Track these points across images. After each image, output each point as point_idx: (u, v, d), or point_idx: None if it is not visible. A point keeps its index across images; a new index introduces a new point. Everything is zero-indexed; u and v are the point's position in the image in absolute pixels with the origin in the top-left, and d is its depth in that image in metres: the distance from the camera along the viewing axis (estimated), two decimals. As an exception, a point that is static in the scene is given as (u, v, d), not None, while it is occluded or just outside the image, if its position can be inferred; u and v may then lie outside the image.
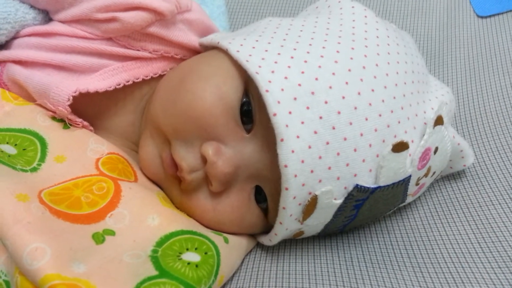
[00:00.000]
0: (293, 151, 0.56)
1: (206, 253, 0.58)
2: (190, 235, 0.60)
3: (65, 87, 0.64)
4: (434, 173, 0.69)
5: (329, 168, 0.58)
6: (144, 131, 0.69)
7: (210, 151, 0.60)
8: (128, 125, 0.73)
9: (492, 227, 0.68)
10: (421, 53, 1.01)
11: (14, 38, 0.72)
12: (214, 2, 0.93)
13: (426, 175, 0.67)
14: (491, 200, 0.73)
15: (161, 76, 0.72)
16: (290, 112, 0.56)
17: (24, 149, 0.61)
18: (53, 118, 0.66)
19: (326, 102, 0.57)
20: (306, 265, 0.66)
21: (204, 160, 0.61)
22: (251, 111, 0.62)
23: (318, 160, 0.57)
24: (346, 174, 0.58)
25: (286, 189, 0.57)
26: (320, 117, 0.57)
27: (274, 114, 0.56)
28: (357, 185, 0.59)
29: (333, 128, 0.57)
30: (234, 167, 0.61)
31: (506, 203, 0.71)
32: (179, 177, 0.63)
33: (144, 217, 0.59)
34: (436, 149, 0.65)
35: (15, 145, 0.61)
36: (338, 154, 0.57)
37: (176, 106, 0.63)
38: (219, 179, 0.60)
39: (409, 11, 1.10)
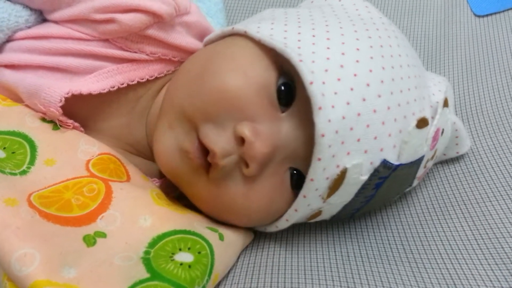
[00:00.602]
0: (329, 121, 0.55)
1: (199, 252, 0.58)
2: (183, 234, 0.59)
3: (57, 88, 0.64)
4: (436, 157, 0.70)
5: (358, 140, 0.57)
6: (160, 122, 0.66)
7: (247, 132, 0.57)
8: (122, 127, 0.72)
9: (488, 223, 0.68)
10: (418, 51, 1.04)
11: (6, 41, 0.71)
12: (212, -1, 0.93)
13: (432, 157, 0.68)
14: (488, 197, 0.73)
15: (157, 79, 0.72)
16: (323, 82, 0.56)
17: (13, 152, 0.60)
18: (43, 119, 0.65)
19: (355, 75, 0.57)
20: (302, 260, 0.66)
21: (238, 142, 0.58)
22: (289, 90, 0.61)
23: (350, 131, 0.57)
24: (374, 148, 0.58)
25: (319, 159, 0.56)
26: (351, 89, 0.57)
27: (311, 83, 0.55)
28: (384, 160, 0.59)
29: (364, 99, 0.57)
30: (273, 146, 0.59)
31: (504, 199, 0.71)
32: (209, 164, 0.61)
33: (136, 218, 0.59)
34: (443, 131, 0.66)
35: (4, 148, 0.60)
36: (368, 126, 0.57)
37: (204, 90, 0.60)
38: (258, 161, 0.58)
39: (407, 10, 1.11)
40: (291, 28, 0.62)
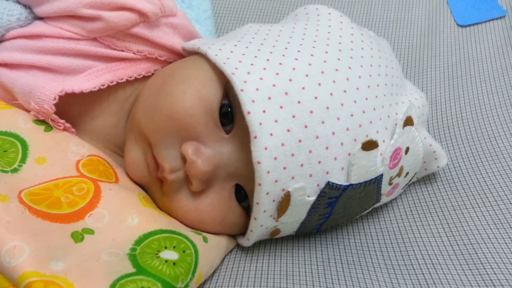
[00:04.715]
0: (266, 148, 0.57)
1: (184, 251, 0.59)
2: (169, 234, 0.61)
3: (51, 87, 0.65)
4: (407, 173, 0.71)
5: (302, 165, 0.59)
6: (129, 136, 0.70)
7: (190, 151, 0.61)
8: (112, 126, 0.74)
9: (464, 230, 0.70)
10: (402, 60, 1.04)
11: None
12: (201, 6, 0.93)
13: (398, 175, 0.68)
14: (464, 204, 0.74)
15: (145, 77, 0.73)
16: (264, 111, 0.58)
17: (5, 151, 0.61)
18: (35, 121, 0.67)
19: (299, 102, 0.59)
20: (284, 265, 0.67)
21: (184, 160, 0.62)
22: (230, 112, 0.63)
23: (291, 157, 0.59)
24: (319, 172, 0.60)
25: (259, 184, 0.59)
26: (293, 116, 0.59)
27: (248, 112, 0.58)
28: (328, 182, 0.61)
29: (306, 126, 0.59)
30: (213, 166, 0.62)
31: (479, 207, 0.73)
32: (161, 178, 0.64)
33: (124, 217, 0.60)
34: (407, 149, 0.67)
35: None
36: (310, 151, 0.59)
37: (157, 109, 0.64)
38: (198, 178, 0.62)
39: (391, 20, 1.12)
40: (251, 51, 0.64)
